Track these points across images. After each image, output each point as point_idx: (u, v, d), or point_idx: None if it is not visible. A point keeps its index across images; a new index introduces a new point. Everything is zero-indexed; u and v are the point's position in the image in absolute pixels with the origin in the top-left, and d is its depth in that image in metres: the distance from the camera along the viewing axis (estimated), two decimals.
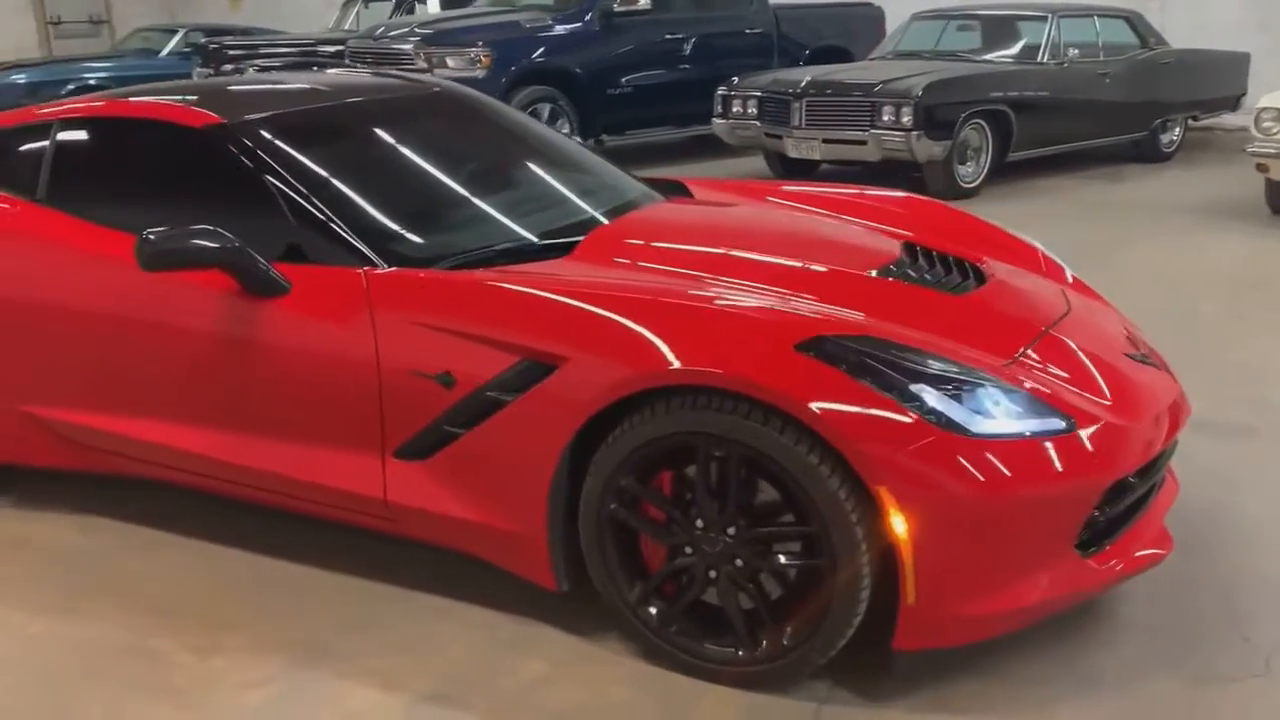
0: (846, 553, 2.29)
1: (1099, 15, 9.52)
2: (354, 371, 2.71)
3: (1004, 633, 2.47)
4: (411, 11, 12.69)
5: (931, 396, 2.31)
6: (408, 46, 9.48)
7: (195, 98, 3.30)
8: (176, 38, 13.56)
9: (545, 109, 9.46)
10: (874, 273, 2.96)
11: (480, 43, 9.33)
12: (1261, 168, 7.28)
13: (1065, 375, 2.61)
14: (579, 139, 8.91)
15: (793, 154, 8.77)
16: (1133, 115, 9.52)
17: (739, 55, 10.55)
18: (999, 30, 9.47)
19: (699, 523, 2.46)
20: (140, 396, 3.13)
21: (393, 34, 9.86)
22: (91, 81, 11.97)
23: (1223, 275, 6.09)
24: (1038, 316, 2.89)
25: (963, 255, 3.19)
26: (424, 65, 9.27)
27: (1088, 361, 2.71)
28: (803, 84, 8.65)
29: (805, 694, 2.48)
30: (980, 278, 3.05)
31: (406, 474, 2.72)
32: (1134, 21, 9.77)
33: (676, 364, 2.36)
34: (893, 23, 11.00)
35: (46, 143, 3.35)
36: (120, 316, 3.07)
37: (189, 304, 2.93)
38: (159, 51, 13.42)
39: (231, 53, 11.52)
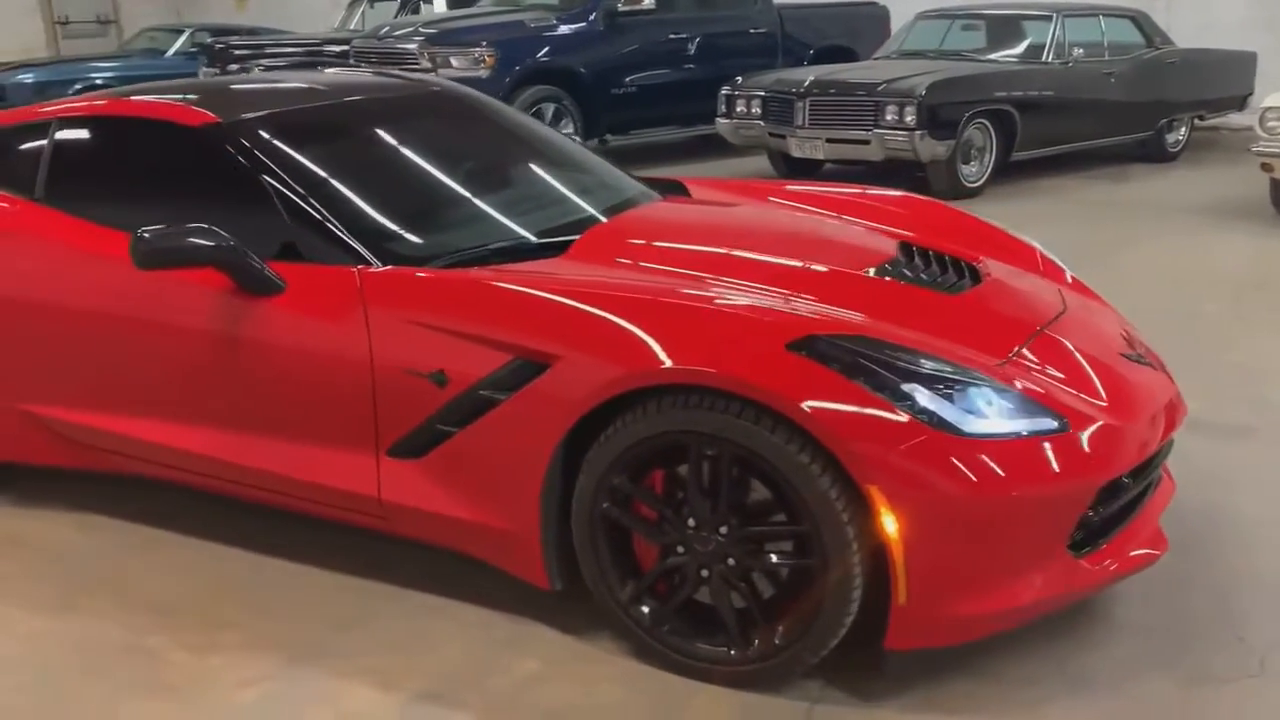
0: (838, 552, 2.29)
1: (1104, 15, 9.49)
2: (348, 370, 2.72)
3: (996, 632, 2.47)
4: (417, 11, 12.71)
5: (924, 396, 2.30)
6: (412, 46, 9.49)
7: (193, 97, 3.31)
8: (183, 38, 13.61)
9: (549, 109, 9.47)
10: (869, 272, 2.96)
11: (484, 42, 9.34)
12: (1266, 167, 7.25)
13: (1060, 375, 2.60)
14: (577, 138, 8.94)
15: (796, 154, 8.76)
16: (1138, 115, 9.49)
17: (743, 55, 10.54)
18: (1004, 29, 9.45)
19: (691, 522, 2.46)
20: (137, 395, 3.14)
21: (397, 34, 9.88)
22: (98, 81, 12.02)
23: (1226, 275, 6.08)
24: (1033, 316, 2.88)
25: (959, 255, 3.18)
26: (428, 65, 9.29)
27: (1083, 361, 2.70)
28: (806, 83, 8.64)
29: (797, 693, 2.48)
30: (976, 277, 3.05)
31: (400, 472, 2.73)
32: (1139, 21, 9.74)
33: (668, 363, 2.36)
34: (898, 22, 10.98)
35: (44, 142, 3.36)
36: (116, 315, 3.08)
37: (185, 303, 2.93)
38: (165, 51, 13.48)
39: (237, 53, 11.56)
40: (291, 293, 2.81)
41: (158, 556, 3.21)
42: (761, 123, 8.96)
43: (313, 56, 11.42)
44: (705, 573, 2.47)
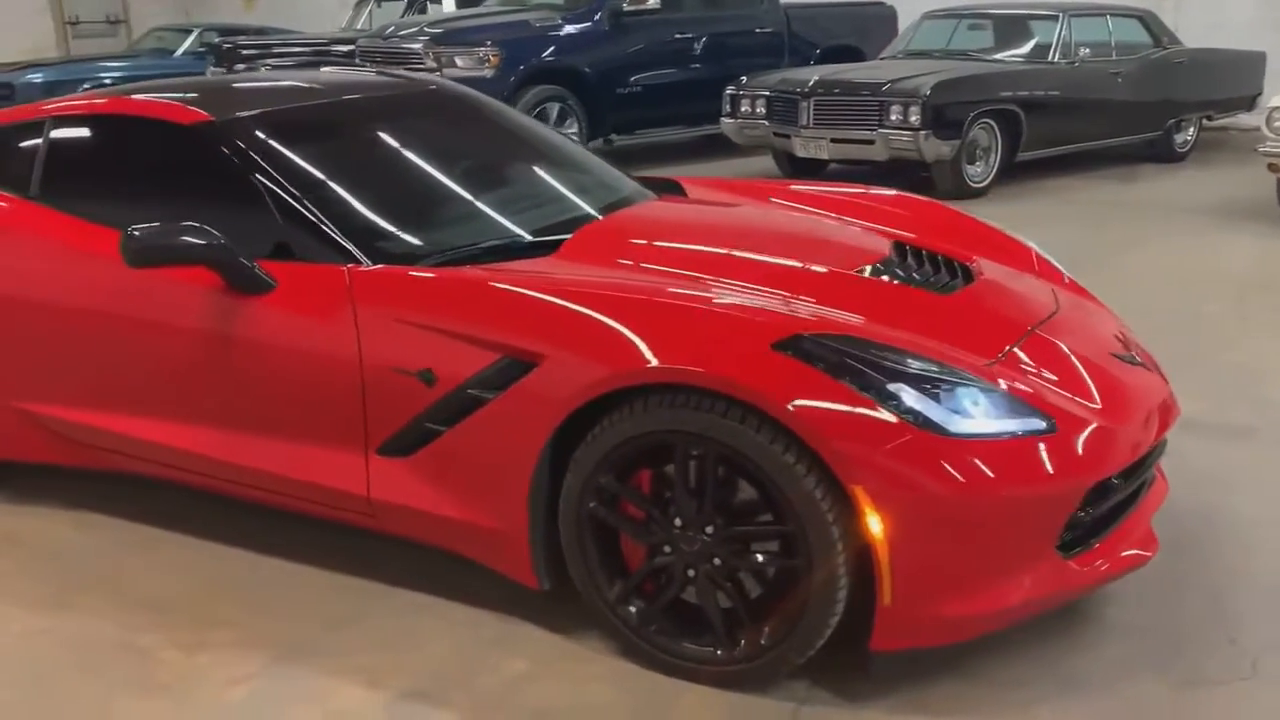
0: (823, 552, 2.28)
1: (1111, 14, 9.46)
2: (337, 368, 2.72)
3: (984, 633, 2.46)
4: (424, 11, 12.73)
5: (910, 396, 2.29)
6: (417, 46, 9.51)
7: (188, 95, 3.31)
8: (191, 37, 13.67)
9: (554, 108, 9.47)
10: (861, 271, 2.95)
11: (489, 42, 9.34)
12: (1273, 168, 7.22)
13: (1050, 375, 2.59)
14: (574, 138, 8.94)
15: (800, 153, 8.75)
16: (1145, 115, 9.46)
17: (749, 54, 10.53)
18: (1010, 29, 9.42)
19: (677, 521, 2.46)
20: (131, 393, 3.14)
21: (402, 33, 9.90)
22: (107, 81, 12.07)
23: (1230, 276, 6.05)
24: (1025, 316, 2.87)
25: (953, 255, 3.17)
26: (433, 65, 9.30)
27: (1075, 361, 2.69)
28: (811, 83, 8.63)
29: (784, 694, 2.47)
30: (969, 277, 3.04)
31: (389, 471, 2.73)
32: (1147, 21, 9.70)
33: (654, 362, 2.36)
34: (905, 22, 10.95)
35: (40, 140, 3.38)
36: (110, 313, 3.09)
37: (176, 301, 2.94)
38: (174, 51, 13.53)
39: (245, 52, 11.59)
40: (281, 291, 2.82)
41: (156, 555, 3.22)
42: (766, 122, 8.95)
43: (320, 57, 11.43)
44: (691, 572, 2.47)
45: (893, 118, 8.11)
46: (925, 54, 9.38)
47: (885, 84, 8.26)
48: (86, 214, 3.19)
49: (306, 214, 2.90)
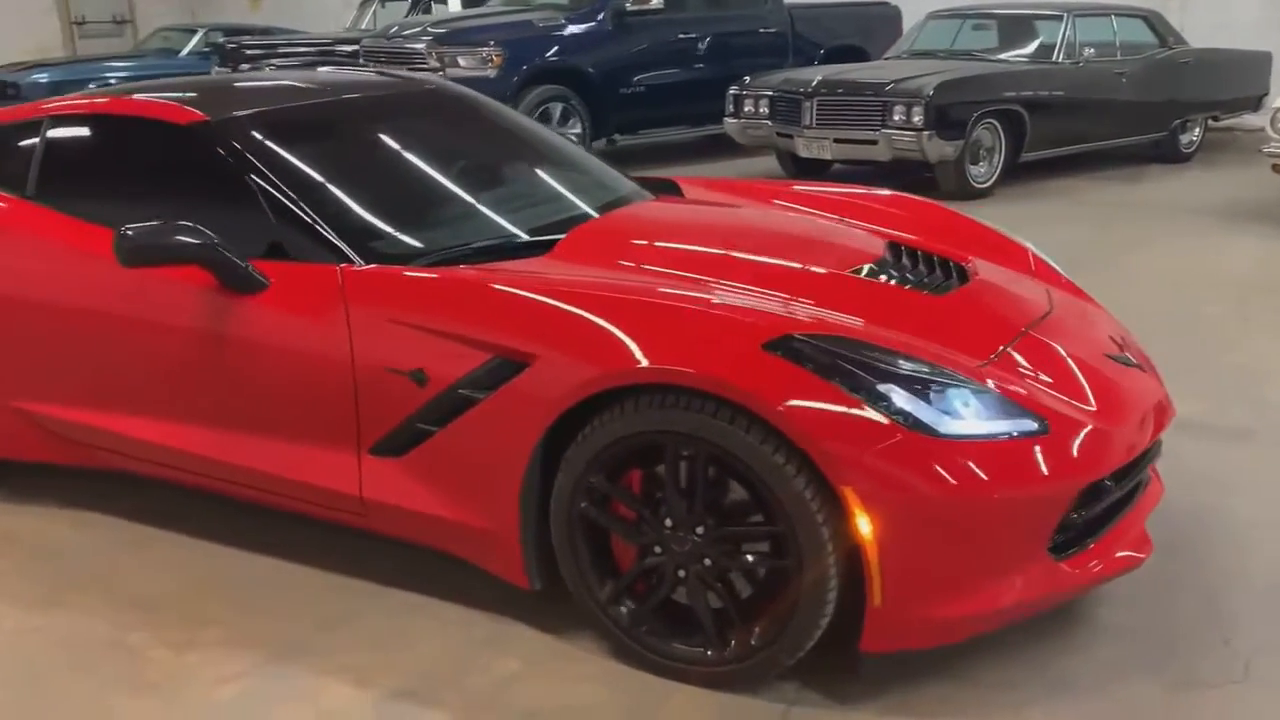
0: (812, 553, 2.28)
1: (1116, 14, 9.43)
2: (329, 368, 2.72)
3: (975, 635, 2.45)
4: (428, 11, 12.74)
5: (900, 396, 2.29)
6: (420, 46, 9.51)
7: (185, 95, 3.32)
8: (196, 37, 13.71)
9: (557, 108, 9.47)
10: (855, 272, 2.94)
11: (492, 42, 9.35)
12: (1277, 169, 7.20)
13: (1044, 376, 2.58)
14: (579, 138, 8.94)
15: (804, 154, 8.74)
16: (1150, 115, 9.43)
17: (753, 54, 10.52)
18: (1014, 29, 9.40)
19: (668, 522, 2.45)
20: (126, 392, 3.15)
21: (406, 33, 9.90)
22: (112, 81, 12.11)
23: (1233, 278, 6.02)
24: (1018, 317, 2.86)
25: (948, 255, 3.16)
26: (436, 64, 9.31)
27: (1069, 362, 2.68)
28: (814, 83, 8.61)
29: (773, 695, 2.46)
30: (964, 277, 3.03)
31: (381, 471, 2.73)
32: (1152, 21, 9.67)
33: (644, 363, 2.35)
34: (909, 22, 10.94)
35: (37, 139, 3.38)
36: (105, 312, 3.09)
37: (170, 300, 2.94)
38: (179, 51, 13.57)
39: (249, 52, 11.61)
40: (274, 291, 2.82)
41: (149, 553, 3.22)
42: (769, 122, 8.93)
43: (324, 56, 11.45)
44: (682, 573, 2.46)
45: (896, 118, 8.09)
46: (929, 54, 9.36)
47: (888, 84, 8.25)
48: (83, 214, 3.20)
49: (300, 213, 2.90)
